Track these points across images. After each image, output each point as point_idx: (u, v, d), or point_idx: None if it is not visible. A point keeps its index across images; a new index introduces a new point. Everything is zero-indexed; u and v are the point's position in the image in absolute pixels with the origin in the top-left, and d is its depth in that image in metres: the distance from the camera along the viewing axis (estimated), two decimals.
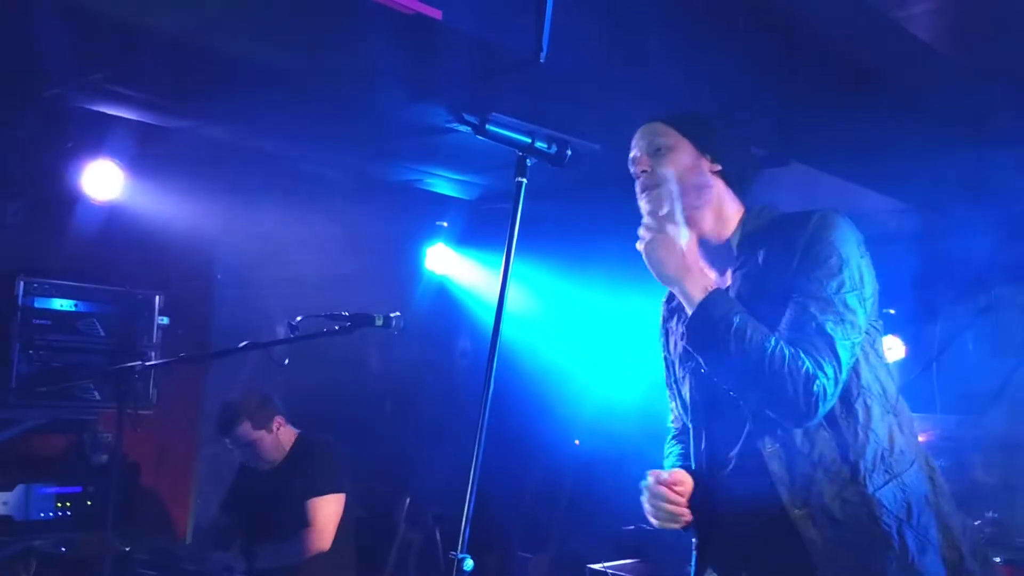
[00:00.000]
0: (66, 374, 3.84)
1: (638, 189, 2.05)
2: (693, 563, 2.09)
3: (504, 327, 1.80)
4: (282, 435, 3.89)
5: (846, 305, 1.84)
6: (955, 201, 4.51)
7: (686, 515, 2.00)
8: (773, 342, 1.81)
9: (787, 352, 1.79)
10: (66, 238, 4.12)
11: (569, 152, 1.88)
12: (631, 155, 2.08)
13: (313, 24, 2.75)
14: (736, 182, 2.07)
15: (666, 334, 2.22)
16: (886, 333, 6.20)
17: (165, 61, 3.00)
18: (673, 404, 2.26)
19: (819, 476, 1.87)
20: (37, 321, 3.82)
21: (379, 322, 3.04)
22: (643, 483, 2.03)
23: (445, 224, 5.59)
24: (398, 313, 3.08)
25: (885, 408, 1.92)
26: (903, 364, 6.29)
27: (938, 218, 4.76)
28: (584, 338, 5.50)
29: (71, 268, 4.00)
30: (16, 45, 2.92)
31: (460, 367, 6.11)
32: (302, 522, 3.74)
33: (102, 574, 2.88)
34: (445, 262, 5.71)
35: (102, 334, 4.02)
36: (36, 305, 3.82)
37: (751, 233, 2.02)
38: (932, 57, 3.53)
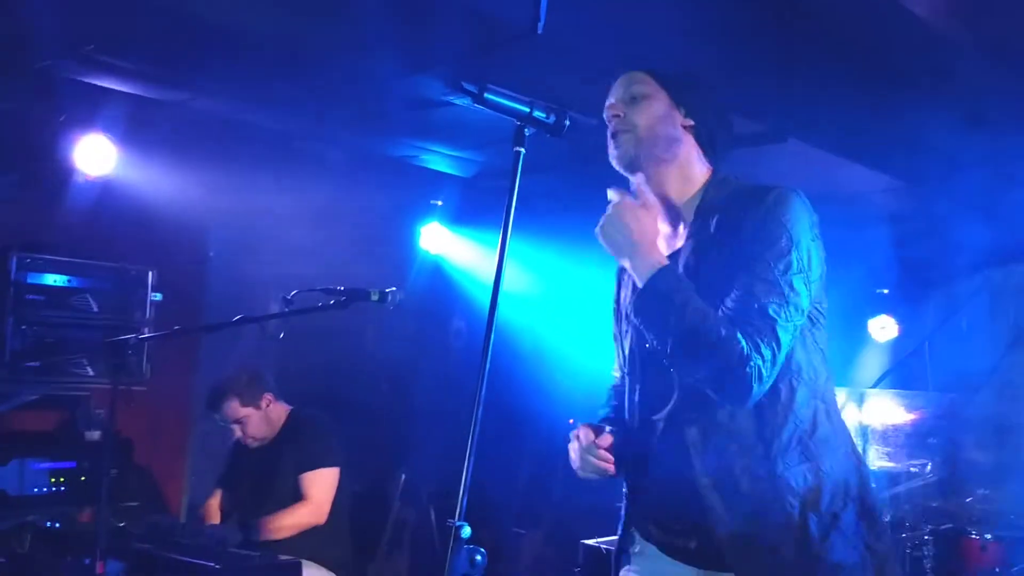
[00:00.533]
0: (59, 349, 3.84)
1: (608, 135, 2.03)
2: (621, 521, 2.10)
3: (500, 305, 1.79)
4: (272, 412, 3.89)
5: (791, 287, 1.84)
6: (951, 181, 4.51)
7: (610, 469, 2.01)
8: (713, 321, 1.81)
9: (724, 332, 1.79)
10: (59, 213, 4.10)
11: (567, 122, 1.86)
12: (607, 102, 2.06)
13: None
14: (707, 143, 2.05)
15: (619, 285, 2.21)
16: (880, 313, 6.23)
17: (158, 31, 2.97)
18: (617, 355, 2.26)
19: (733, 448, 1.88)
20: (30, 296, 3.81)
21: (375, 297, 3.01)
22: (572, 434, 2.05)
23: (440, 203, 5.57)
24: (394, 288, 3.05)
25: (812, 393, 1.92)
26: (896, 343, 6.33)
27: (933, 198, 4.77)
28: (580, 316, 5.50)
29: (64, 243, 3.99)
30: (7, 16, 2.88)
31: (455, 346, 6.12)
32: (296, 496, 3.75)
33: (97, 549, 2.87)
34: (440, 241, 5.69)
35: (95, 309, 4.01)
36: (29, 280, 3.81)
37: (711, 199, 2.00)
38: (930, 33, 3.51)
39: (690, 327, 1.81)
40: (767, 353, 1.79)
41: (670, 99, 2.02)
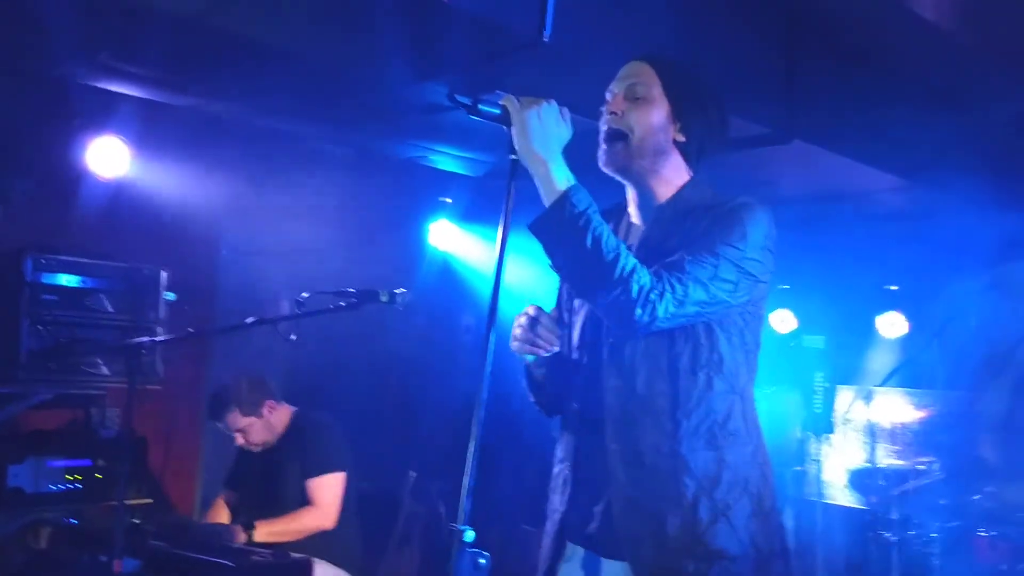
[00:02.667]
0: (74, 349, 3.87)
1: (602, 130, 2.04)
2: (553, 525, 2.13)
3: (504, 302, 1.82)
4: (274, 417, 3.89)
5: (725, 265, 1.88)
6: (958, 178, 4.51)
7: (548, 347, 2.04)
8: (624, 251, 1.83)
9: (632, 265, 1.81)
10: (73, 215, 4.15)
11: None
12: (610, 86, 2.07)
13: (318, 3, 2.76)
14: (694, 157, 2.08)
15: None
16: (890, 310, 6.20)
17: (170, 39, 3.01)
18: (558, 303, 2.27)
19: (646, 422, 1.93)
20: (45, 297, 3.84)
21: (384, 298, 3.04)
22: (523, 312, 2.07)
23: (449, 200, 5.60)
24: (403, 290, 3.08)
25: (731, 387, 1.96)
26: (906, 340, 6.32)
27: (941, 195, 4.76)
28: None
29: (78, 244, 4.02)
30: (23, 24, 2.93)
31: (464, 343, 6.15)
32: (303, 501, 3.77)
33: (113, 545, 2.92)
34: (449, 238, 5.72)
35: (109, 310, 4.05)
36: (44, 281, 3.84)
37: (683, 199, 2.04)
38: (936, 35, 3.52)
39: (607, 249, 1.81)
40: (668, 293, 1.82)
41: (670, 110, 2.03)
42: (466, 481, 1.65)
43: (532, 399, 2.25)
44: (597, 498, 2.00)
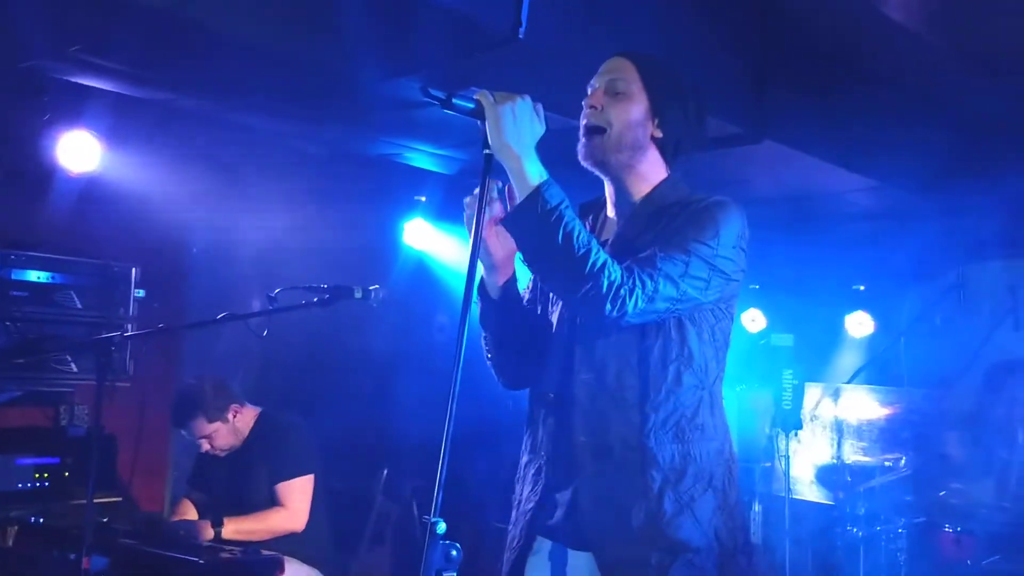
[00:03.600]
0: (43, 346, 3.83)
1: (581, 124, 2.06)
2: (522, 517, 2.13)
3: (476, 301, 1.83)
4: (240, 421, 3.82)
5: (697, 262, 1.90)
6: (925, 180, 4.58)
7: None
8: (596, 246, 1.84)
9: (605, 258, 1.83)
10: (43, 210, 4.10)
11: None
12: (591, 81, 2.09)
13: None
14: (671, 153, 2.09)
15: None
16: (856, 309, 6.29)
17: (143, 33, 2.98)
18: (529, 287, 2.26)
19: (615, 416, 1.96)
20: (14, 293, 3.81)
21: (358, 294, 3.04)
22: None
23: (423, 199, 5.59)
24: (377, 286, 3.08)
25: (700, 383, 1.99)
26: (872, 339, 6.42)
27: (908, 196, 4.84)
28: None
29: (48, 240, 3.99)
30: None
31: (438, 342, 6.14)
32: (272, 503, 3.73)
33: (82, 544, 2.90)
34: (423, 237, 5.72)
35: (79, 306, 4.02)
36: (12, 277, 3.81)
37: (659, 196, 2.06)
38: (905, 37, 3.58)
39: (570, 243, 1.82)
40: (639, 288, 1.84)
41: (649, 106, 2.05)
42: (439, 474, 1.65)
43: (487, 353, 2.21)
44: (564, 490, 2.02)
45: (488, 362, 2.23)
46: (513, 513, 2.16)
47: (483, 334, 2.19)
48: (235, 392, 3.88)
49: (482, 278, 2.14)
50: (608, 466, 1.96)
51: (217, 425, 3.76)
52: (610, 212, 2.14)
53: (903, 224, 5.34)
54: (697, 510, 1.94)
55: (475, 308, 1.85)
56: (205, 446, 3.81)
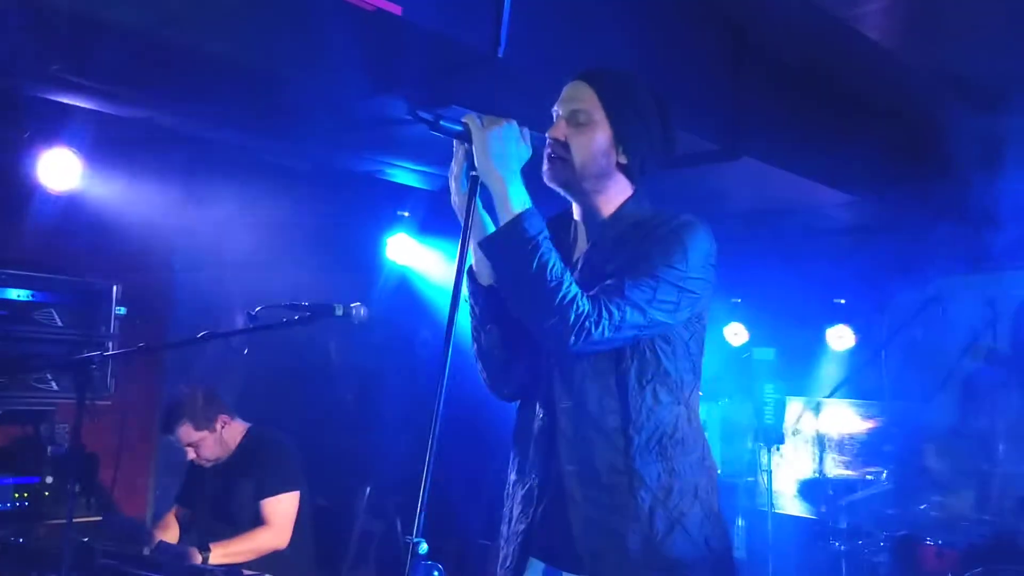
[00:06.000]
0: (23, 364, 3.81)
1: (546, 148, 2.05)
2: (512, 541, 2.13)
3: (462, 317, 1.83)
4: (227, 433, 3.83)
5: (665, 288, 1.91)
6: (903, 194, 4.64)
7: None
8: (568, 279, 1.85)
9: (573, 292, 1.84)
10: (23, 227, 4.08)
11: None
12: (554, 108, 2.08)
13: (273, 18, 2.77)
14: (636, 175, 2.09)
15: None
16: (837, 323, 6.33)
17: (122, 51, 2.98)
18: None
19: (599, 441, 1.97)
20: None
21: (339, 312, 3.03)
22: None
23: (406, 214, 5.60)
24: (359, 303, 3.07)
25: (677, 399, 2.01)
26: (853, 352, 6.46)
27: (886, 211, 4.89)
28: None
29: (28, 258, 3.97)
30: None
31: (421, 357, 6.14)
32: (256, 521, 3.72)
33: (62, 565, 2.88)
34: (406, 252, 5.72)
35: (59, 324, 4.00)
36: None
37: (624, 219, 2.06)
38: (881, 55, 3.63)
39: (543, 274, 1.83)
40: (605, 318, 1.85)
41: (612, 134, 2.03)
42: (422, 494, 1.66)
43: (474, 346, 2.20)
44: (556, 514, 2.02)
45: (477, 363, 2.21)
46: (504, 529, 2.16)
47: (472, 332, 2.18)
48: (226, 404, 3.89)
49: (471, 266, 2.14)
50: (597, 491, 1.96)
51: (204, 434, 3.76)
52: (580, 230, 2.14)
53: (881, 238, 5.40)
54: (687, 523, 1.95)
55: (461, 319, 1.84)
56: (191, 455, 3.82)
